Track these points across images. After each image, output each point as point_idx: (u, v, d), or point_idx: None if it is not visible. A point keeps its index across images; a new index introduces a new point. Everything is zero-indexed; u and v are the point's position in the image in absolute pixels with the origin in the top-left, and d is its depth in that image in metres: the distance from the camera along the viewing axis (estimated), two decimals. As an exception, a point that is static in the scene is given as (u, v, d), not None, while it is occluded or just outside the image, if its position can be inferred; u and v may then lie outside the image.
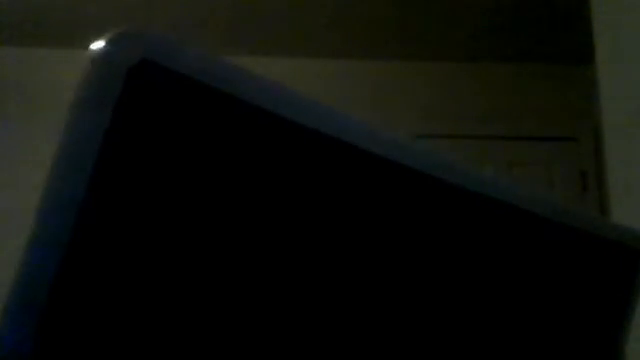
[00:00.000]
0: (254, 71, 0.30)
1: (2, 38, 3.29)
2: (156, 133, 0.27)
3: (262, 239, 0.31)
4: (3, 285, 2.56)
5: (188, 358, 0.29)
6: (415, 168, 0.36)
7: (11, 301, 0.24)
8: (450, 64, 3.55)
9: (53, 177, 0.24)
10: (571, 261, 0.44)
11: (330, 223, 0.33)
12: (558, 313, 0.44)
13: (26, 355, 0.24)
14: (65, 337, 0.25)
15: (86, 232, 0.25)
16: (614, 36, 1.88)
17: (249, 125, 0.30)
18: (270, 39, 3.33)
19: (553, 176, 3.43)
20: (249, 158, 0.30)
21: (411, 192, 0.36)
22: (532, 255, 0.42)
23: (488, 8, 3.01)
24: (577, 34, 3.19)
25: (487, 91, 3.53)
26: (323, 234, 0.33)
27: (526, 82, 3.54)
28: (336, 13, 3.08)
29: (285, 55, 3.48)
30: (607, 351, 0.47)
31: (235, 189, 0.30)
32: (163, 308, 0.28)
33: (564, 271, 0.44)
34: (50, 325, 0.25)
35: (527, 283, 0.42)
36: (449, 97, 3.52)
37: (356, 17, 3.12)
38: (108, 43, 0.25)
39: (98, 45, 0.25)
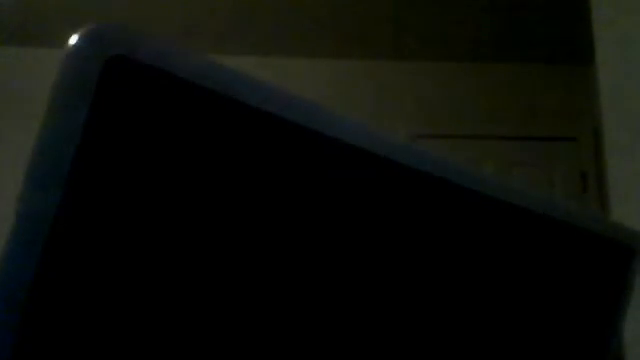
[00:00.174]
0: (239, 69, 0.30)
1: (2, 38, 3.29)
2: (133, 128, 0.26)
3: (244, 236, 0.31)
4: None
5: (170, 354, 0.29)
6: (403, 162, 0.36)
7: None
8: (450, 64, 3.55)
9: (30, 176, 0.24)
10: (564, 257, 0.44)
11: (320, 220, 0.33)
12: (550, 308, 0.44)
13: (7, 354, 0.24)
14: (46, 334, 0.25)
15: (65, 228, 0.25)
16: (614, 36, 1.88)
17: (229, 120, 0.29)
18: (269, 39, 3.33)
19: (553, 176, 3.43)
20: (231, 153, 0.30)
21: (402, 189, 0.36)
22: (524, 250, 0.42)
23: (488, 8, 3.01)
24: (577, 34, 3.19)
25: (487, 91, 3.53)
26: (313, 232, 0.33)
27: (526, 82, 3.54)
28: (335, 13, 3.08)
29: (284, 55, 3.48)
30: (599, 347, 0.47)
31: (212, 182, 0.30)
32: (147, 305, 0.28)
33: (557, 267, 0.44)
34: (31, 323, 0.25)
35: (520, 278, 0.42)
36: (449, 97, 3.52)
37: (356, 17, 3.11)
38: (83, 37, 0.25)
39: (73, 40, 0.25)
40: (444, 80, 3.54)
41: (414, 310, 0.38)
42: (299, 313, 0.33)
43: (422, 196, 0.37)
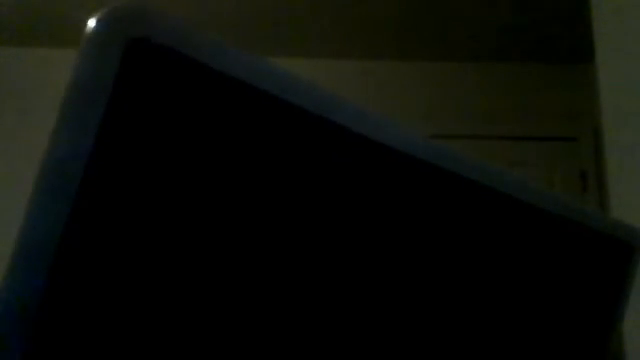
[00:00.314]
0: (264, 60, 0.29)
1: (2, 38, 3.29)
2: (154, 114, 0.26)
3: (263, 228, 0.31)
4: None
5: (180, 355, 0.29)
6: (399, 149, 0.35)
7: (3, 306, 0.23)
8: (450, 64, 3.55)
9: (48, 165, 0.23)
10: (564, 253, 0.44)
11: (333, 214, 0.33)
12: (550, 303, 0.44)
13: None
14: (59, 339, 0.25)
15: (84, 217, 0.24)
16: (614, 36, 1.88)
17: (252, 108, 0.29)
18: (270, 39, 3.33)
19: (553, 176, 3.43)
20: (253, 144, 0.29)
21: (405, 180, 0.36)
22: (525, 245, 0.42)
23: (488, 8, 3.01)
24: (577, 34, 3.19)
25: (487, 91, 3.53)
26: (328, 225, 0.33)
27: (526, 82, 3.54)
28: (336, 13, 3.08)
29: (284, 55, 3.48)
30: (598, 343, 0.47)
31: (235, 175, 0.29)
32: (159, 305, 0.28)
33: (557, 263, 0.44)
34: (43, 329, 0.24)
35: (519, 273, 0.42)
36: (449, 97, 3.52)
37: (356, 17, 3.11)
38: (105, 18, 0.24)
39: (94, 21, 0.24)
40: (444, 80, 3.54)
41: (416, 304, 0.38)
42: (304, 303, 0.33)
43: (421, 188, 0.37)
